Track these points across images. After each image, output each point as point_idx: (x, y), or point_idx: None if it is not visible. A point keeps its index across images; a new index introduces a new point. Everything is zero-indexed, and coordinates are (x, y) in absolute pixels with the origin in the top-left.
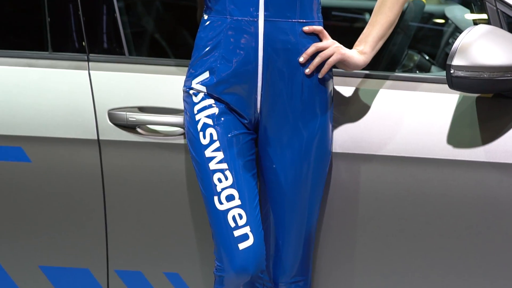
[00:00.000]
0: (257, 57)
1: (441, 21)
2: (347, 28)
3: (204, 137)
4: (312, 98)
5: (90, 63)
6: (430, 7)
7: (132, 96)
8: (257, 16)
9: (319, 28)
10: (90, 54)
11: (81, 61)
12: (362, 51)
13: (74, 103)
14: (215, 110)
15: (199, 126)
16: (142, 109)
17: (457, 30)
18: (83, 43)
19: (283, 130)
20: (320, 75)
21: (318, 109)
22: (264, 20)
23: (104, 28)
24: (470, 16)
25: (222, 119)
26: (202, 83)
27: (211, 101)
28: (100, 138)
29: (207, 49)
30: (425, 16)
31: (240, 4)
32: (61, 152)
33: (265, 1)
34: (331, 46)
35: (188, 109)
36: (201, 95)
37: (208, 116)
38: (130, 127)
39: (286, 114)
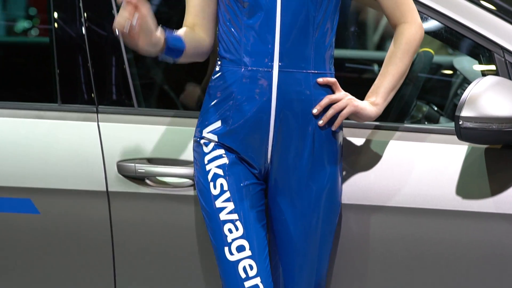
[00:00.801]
0: (270, 107)
1: (450, 72)
2: (358, 79)
3: (215, 188)
4: (323, 149)
5: (99, 114)
6: (438, 58)
7: (141, 147)
8: (271, 67)
9: (332, 80)
10: (99, 106)
11: (90, 113)
12: (374, 103)
13: (83, 154)
14: (225, 160)
15: (210, 176)
16: (151, 161)
17: (466, 81)
18: (92, 95)
19: (293, 181)
20: (333, 128)
21: (328, 160)
22: (279, 70)
23: (113, 79)
24: (478, 67)
25: (233, 169)
26: (214, 132)
27: (221, 151)
28: (109, 189)
29: (220, 98)
30: (433, 67)
31: (255, 55)
32: (70, 203)
33: (280, 52)
34: (344, 99)
35: (198, 159)
36: (211, 145)
37: (218, 166)
38: (139, 178)
39: (296, 165)
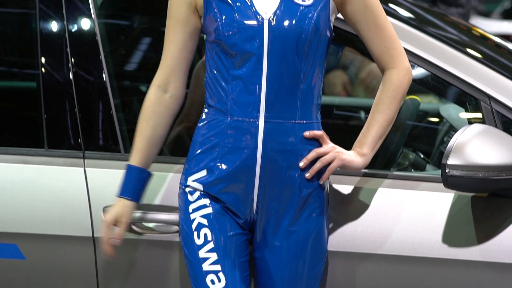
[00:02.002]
0: (255, 158)
1: (436, 119)
2: (346, 126)
3: (199, 237)
4: (309, 198)
5: (85, 160)
6: (425, 106)
7: None
8: (257, 117)
9: (319, 133)
10: (86, 151)
11: (76, 158)
12: (361, 153)
13: (70, 200)
14: (210, 210)
15: (194, 226)
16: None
17: (452, 129)
18: (79, 140)
19: (279, 230)
20: (321, 181)
21: (315, 208)
22: (265, 121)
23: (100, 125)
24: (465, 115)
25: (218, 219)
26: (199, 181)
27: (206, 200)
28: (95, 235)
29: (205, 147)
30: (420, 115)
31: (241, 105)
32: (55, 249)
33: (266, 103)
34: (332, 152)
35: (183, 207)
36: (197, 194)
37: (203, 216)
38: None
39: (282, 214)
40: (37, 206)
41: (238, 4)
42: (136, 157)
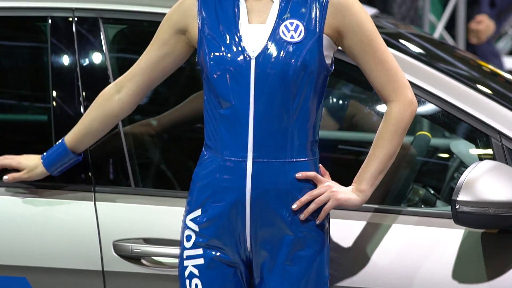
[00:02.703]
0: (244, 197)
1: (447, 155)
2: (350, 161)
3: (190, 286)
4: (305, 237)
5: (96, 194)
6: (435, 141)
7: (137, 227)
8: (245, 157)
9: (312, 174)
10: (96, 186)
11: (87, 192)
12: (360, 189)
13: (79, 233)
14: (202, 261)
15: (186, 273)
16: (147, 241)
17: (463, 165)
18: (90, 174)
19: (274, 269)
20: (317, 221)
21: (311, 247)
22: (253, 161)
23: (111, 159)
24: (475, 152)
25: (209, 272)
26: (195, 221)
27: (199, 250)
28: (105, 269)
29: (200, 186)
30: (430, 150)
31: (229, 144)
32: (65, 283)
33: (254, 142)
34: (327, 192)
35: (180, 249)
36: (192, 241)
37: (195, 266)
38: (135, 258)
39: (277, 253)
40: (47, 239)
41: (226, 42)
42: (69, 137)
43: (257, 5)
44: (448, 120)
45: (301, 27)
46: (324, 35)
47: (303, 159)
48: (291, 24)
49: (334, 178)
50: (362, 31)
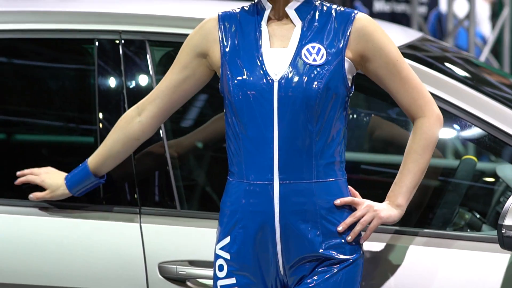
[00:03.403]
0: (273, 221)
1: (492, 179)
2: (378, 182)
3: None
4: (337, 255)
5: (142, 216)
6: (481, 165)
7: (182, 249)
8: (272, 180)
9: (348, 199)
10: (142, 207)
11: (133, 214)
12: (396, 204)
13: (125, 256)
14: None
15: None
16: (192, 263)
17: (509, 189)
18: (135, 196)
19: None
20: (362, 241)
21: (346, 264)
22: (279, 183)
23: (156, 181)
24: None
25: None
26: (225, 249)
27: (233, 280)
28: None
29: (227, 213)
30: (476, 174)
31: (255, 168)
32: None
33: (280, 164)
34: (369, 212)
35: (213, 279)
36: (224, 270)
37: None
38: (180, 280)
39: (310, 272)
40: (92, 261)
41: (249, 66)
42: (92, 159)
43: (279, 30)
44: (494, 144)
45: (323, 50)
46: (345, 58)
47: (329, 179)
48: (313, 47)
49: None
50: (386, 54)
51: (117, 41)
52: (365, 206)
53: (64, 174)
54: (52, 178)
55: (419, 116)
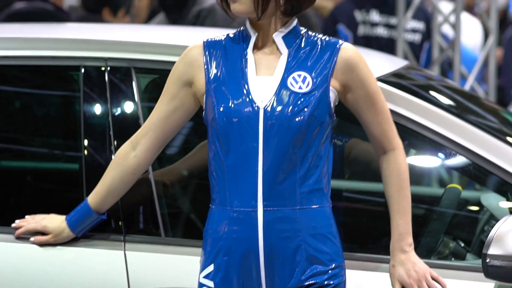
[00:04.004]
0: (257, 247)
1: (477, 208)
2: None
3: None
4: (321, 283)
5: (126, 243)
6: (466, 194)
7: (167, 277)
8: (256, 206)
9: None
10: (127, 235)
11: (117, 241)
12: (410, 243)
13: (109, 283)
14: None
15: None
16: None
17: (493, 218)
18: (120, 223)
19: None
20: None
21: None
22: (264, 210)
23: (141, 208)
24: (506, 205)
25: None
26: (209, 277)
27: None
28: None
29: (210, 241)
30: (461, 203)
31: (239, 195)
32: None
33: (264, 191)
34: (421, 279)
35: None
36: None
37: None
38: None
39: None
40: None
41: (235, 93)
42: (92, 198)
43: (265, 58)
44: (479, 173)
45: (309, 79)
46: (330, 87)
47: (313, 206)
48: (299, 76)
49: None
50: (367, 86)
51: (103, 68)
52: (414, 281)
53: (63, 217)
54: (53, 222)
55: (392, 149)
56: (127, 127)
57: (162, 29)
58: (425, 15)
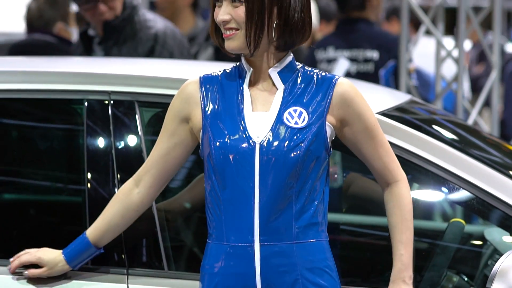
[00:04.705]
0: (254, 282)
1: (480, 242)
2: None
3: None
4: None
5: (129, 277)
6: (469, 228)
7: None
8: (252, 241)
9: None
10: (130, 268)
11: (120, 275)
12: (411, 276)
13: None
14: None
15: None
16: None
17: (496, 253)
18: (123, 256)
19: None
20: None
21: None
22: (260, 244)
23: (144, 242)
24: (509, 239)
25: None
26: None
27: None
28: None
29: (207, 277)
30: (464, 237)
31: (235, 230)
32: None
33: (260, 226)
34: None
35: None
36: None
37: None
38: None
39: None
40: None
41: (231, 128)
42: (91, 232)
43: (261, 93)
44: (483, 207)
45: (305, 114)
46: (326, 122)
47: (310, 240)
48: (295, 111)
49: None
50: (365, 120)
51: (106, 102)
52: None
53: (59, 251)
54: (48, 255)
55: (392, 181)
56: (130, 160)
57: (164, 63)
58: (379, 43)
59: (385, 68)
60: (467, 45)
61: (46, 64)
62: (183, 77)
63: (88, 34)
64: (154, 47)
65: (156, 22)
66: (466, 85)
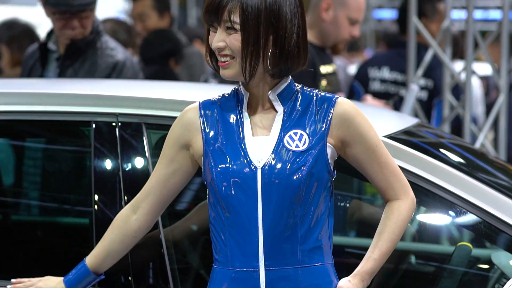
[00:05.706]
0: None
1: (487, 266)
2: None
3: None
4: None
5: None
6: (476, 252)
7: None
8: (257, 267)
9: None
10: None
11: None
12: (369, 279)
13: None
14: None
15: None
16: None
17: (504, 277)
18: (129, 278)
19: None
20: None
21: None
22: (265, 269)
23: (151, 263)
24: None
25: None
26: None
27: None
28: None
29: None
30: (471, 261)
31: (240, 255)
32: None
33: (265, 251)
34: None
35: None
36: None
37: None
38: None
39: None
40: None
41: (232, 153)
42: (90, 259)
43: (261, 117)
44: (490, 231)
45: (305, 137)
46: (328, 144)
47: (316, 264)
48: (295, 134)
49: None
50: (367, 140)
51: (114, 124)
52: None
53: (60, 278)
54: (48, 284)
55: (398, 199)
56: (137, 182)
57: (171, 86)
58: (433, 73)
59: (440, 97)
60: (487, 69)
61: (54, 86)
62: (190, 99)
63: (47, 47)
64: (110, 75)
65: (118, 51)
66: (480, 110)
